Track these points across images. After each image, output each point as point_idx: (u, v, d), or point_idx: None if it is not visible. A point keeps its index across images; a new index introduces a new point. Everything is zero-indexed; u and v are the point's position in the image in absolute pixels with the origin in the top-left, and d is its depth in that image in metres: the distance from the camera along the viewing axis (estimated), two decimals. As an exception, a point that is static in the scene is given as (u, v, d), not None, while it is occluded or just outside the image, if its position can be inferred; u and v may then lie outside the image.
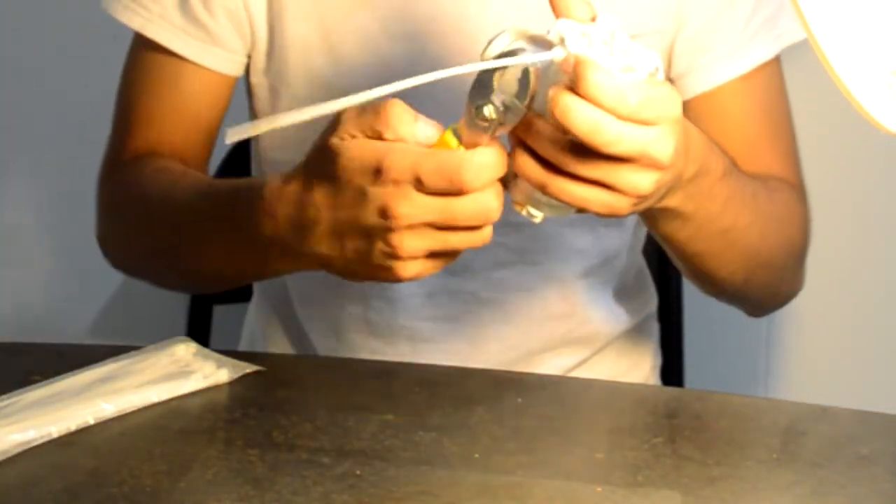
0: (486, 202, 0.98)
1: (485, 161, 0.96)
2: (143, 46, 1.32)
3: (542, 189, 0.98)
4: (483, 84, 0.96)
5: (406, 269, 1.00)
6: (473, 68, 0.95)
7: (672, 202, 1.06)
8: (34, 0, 2.01)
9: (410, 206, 0.97)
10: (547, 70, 0.96)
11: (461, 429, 1.08)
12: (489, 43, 0.96)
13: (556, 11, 0.97)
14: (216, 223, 1.16)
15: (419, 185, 0.97)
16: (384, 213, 0.98)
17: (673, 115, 0.96)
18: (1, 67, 2.02)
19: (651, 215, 1.11)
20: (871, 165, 1.89)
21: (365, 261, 1.01)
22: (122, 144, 1.34)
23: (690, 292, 1.63)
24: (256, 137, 1.36)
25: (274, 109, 1.31)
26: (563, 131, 0.95)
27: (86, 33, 1.49)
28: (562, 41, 0.95)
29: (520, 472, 1.02)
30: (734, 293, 1.28)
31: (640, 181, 0.97)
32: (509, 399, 1.14)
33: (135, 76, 1.34)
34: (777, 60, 1.31)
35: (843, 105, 0.91)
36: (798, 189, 1.32)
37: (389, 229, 0.98)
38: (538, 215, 1.02)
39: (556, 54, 0.95)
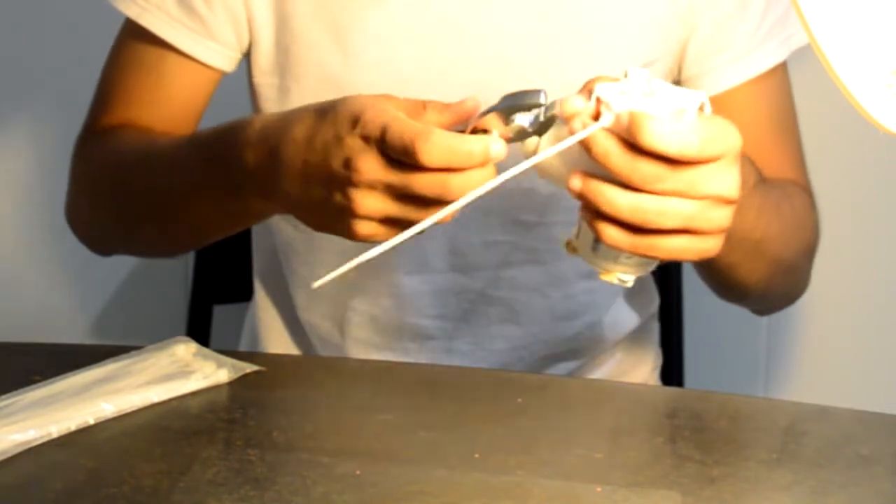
0: (442, 180, 0.98)
1: (442, 142, 0.96)
2: (132, 34, 1.32)
3: (633, 251, 0.98)
4: (522, 105, 0.99)
5: (360, 226, 1.01)
6: (548, 154, 0.97)
7: None
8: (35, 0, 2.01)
9: (372, 164, 0.99)
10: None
11: (461, 429, 1.08)
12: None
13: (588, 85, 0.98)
14: (197, 163, 1.17)
15: (383, 145, 0.98)
16: (348, 164, 0.99)
17: (735, 147, 0.97)
18: (2, 68, 2.02)
19: None
20: (871, 165, 1.88)
21: (325, 210, 1.02)
22: (97, 120, 1.34)
23: (690, 292, 1.63)
24: None
25: (283, 107, 1.31)
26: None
27: (88, 34, 1.49)
28: (606, 105, 0.96)
29: (520, 472, 1.02)
30: (756, 298, 1.29)
31: (720, 218, 0.99)
32: (509, 399, 1.14)
33: (120, 61, 1.34)
34: (784, 63, 1.31)
35: (843, 105, 0.91)
36: (808, 192, 1.32)
37: (350, 182, 1.00)
38: (630, 279, 1.02)
39: (604, 121, 0.96)
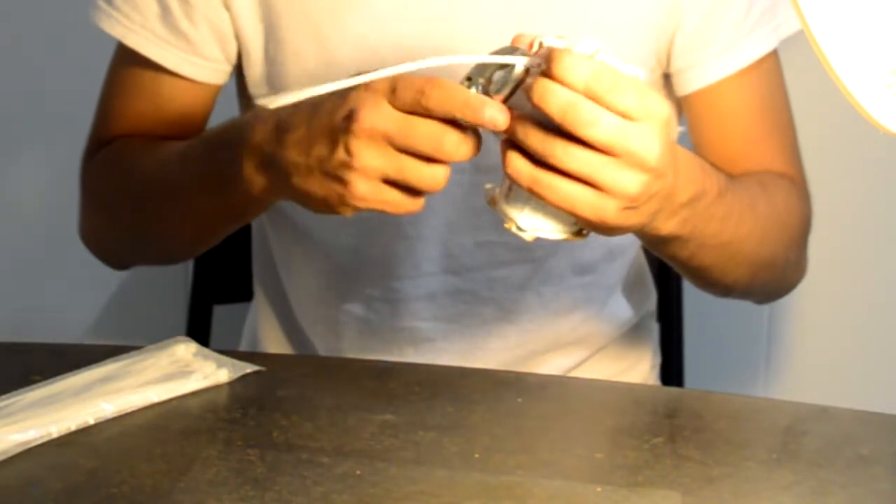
0: (439, 131, 0.98)
1: (449, 86, 0.98)
2: (125, 54, 1.32)
3: (531, 187, 0.98)
4: (480, 70, 0.99)
5: (359, 183, 1.01)
6: (477, 59, 0.99)
7: (668, 228, 1.06)
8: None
9: (374, 110, 0.99)
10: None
11: (461, 429, 1.08)
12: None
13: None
14: (205, 153, 1.18)
15: (392, 95, 0.99)
16: (350, 114, 1.00)
17: (657, 113, 0.97)
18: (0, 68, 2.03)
19: (649, 240, 1.11)
20: (871, 165, 1.89)
21: (324, 170, 1.02)
22: (100, 140, 1.35)
23: (690, 292, 1.63)
24: None
25: None
26: (546, 124, 0.96)
27: (88, 32, 1.50)
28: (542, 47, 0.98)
29: (520, 472, 1.02)
30: (741, 294, 1.29)
31: (626, 181, 0.97)
32: (509, 399, 1.14)
33: (117, 82, 1.35)
34: (775, 53, 1.31)
35: (842, 105, 0.91)
36: (797, 183, 1.32)
37: (351, 132, 1.00)
38: (526, 230, 1.02)
39: (525, 60, 0.97)
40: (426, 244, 1.32)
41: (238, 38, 1.29)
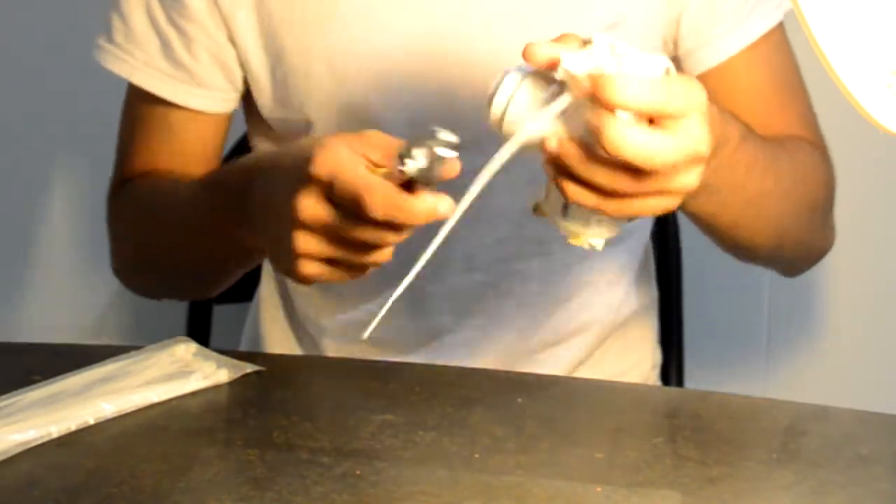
0: (380, 232, 1.01)
1: (387, 198, 0.98)
2: (134, 91, 1.35)
3: (603, 209, 0.98)
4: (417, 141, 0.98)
5: (302, 266, 1.04)
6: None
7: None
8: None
9: (311, 203, 1.01)
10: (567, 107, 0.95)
11: (461, 429, 1.08)
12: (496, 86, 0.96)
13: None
14: (207, 198, 1.22)
15: (329, 189, 1.00)
16: (294, 205, 1.02)
17: (701, 103, 0.97)
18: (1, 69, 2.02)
19: None
20: (871, 165, 1.88)
21: (279, 248, 1.06)
22: (122, 177, 1.38)
23: (690, 290, 1.63)
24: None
25: (290, 137, 1.32)
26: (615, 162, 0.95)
27: (88, 34, 1.50)
28: (571, 77, 0.94)
29: (520, 472, 1.02)
30: (769, 257, 1.30)
31: (690, 180, 0.99)
32: (509, 399, 1.14)
33: (130, 119, 1.38)
34: (781, 25, 1.32)
35: (843, 105, 0.91)
36: (817, 146, 1.33)
37: (290, 221, 1.02)
38: (599, 243, 1.02)
39: (561, 101, 0.94)
40: (449, 245, 1.32)
41: (244, 67, 1.31)
